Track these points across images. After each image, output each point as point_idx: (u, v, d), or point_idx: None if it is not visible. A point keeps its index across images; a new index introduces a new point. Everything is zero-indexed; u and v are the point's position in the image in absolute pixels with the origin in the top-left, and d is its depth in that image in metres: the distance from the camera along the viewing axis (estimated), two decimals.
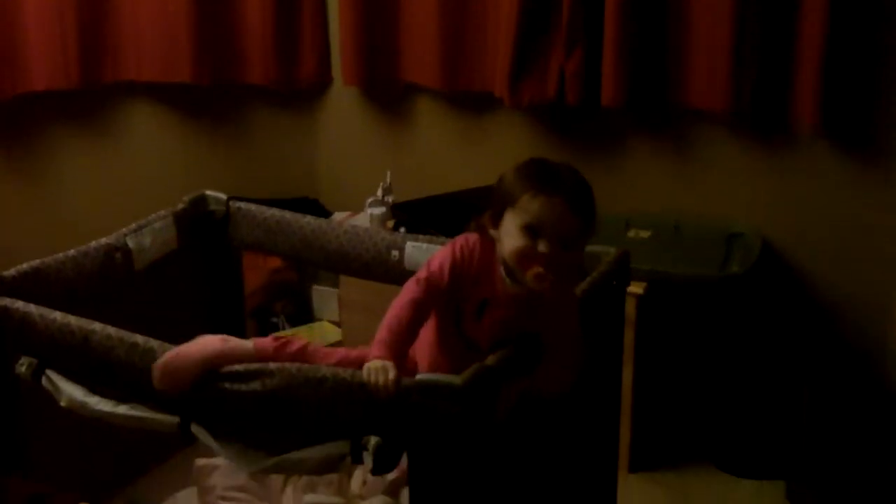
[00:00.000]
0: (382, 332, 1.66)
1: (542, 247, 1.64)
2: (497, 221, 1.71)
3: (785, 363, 2.82)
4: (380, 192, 3.06)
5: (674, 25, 2.83)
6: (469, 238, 1.77)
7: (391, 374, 1.54)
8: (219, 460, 2.16)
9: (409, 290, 1.72)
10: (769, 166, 2.86)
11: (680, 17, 2.82)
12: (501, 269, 1.72)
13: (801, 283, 2.88)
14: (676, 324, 2.77)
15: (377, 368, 1.55)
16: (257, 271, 3.21)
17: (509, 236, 1.67)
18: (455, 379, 1.51)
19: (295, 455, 1.63)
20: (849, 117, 2.69)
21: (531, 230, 1.65)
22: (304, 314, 3.35)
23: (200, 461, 2.19)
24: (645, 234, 2.84)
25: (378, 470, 1.56)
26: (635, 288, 2.56)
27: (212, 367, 1.69)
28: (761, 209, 2.88)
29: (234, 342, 1.75)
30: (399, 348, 1.65)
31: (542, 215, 1.65)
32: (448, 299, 1.75)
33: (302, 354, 1.78)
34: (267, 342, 1.78)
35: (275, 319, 3.26)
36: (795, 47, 2.68)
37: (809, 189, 2.82)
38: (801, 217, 2.85)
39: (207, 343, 1.73)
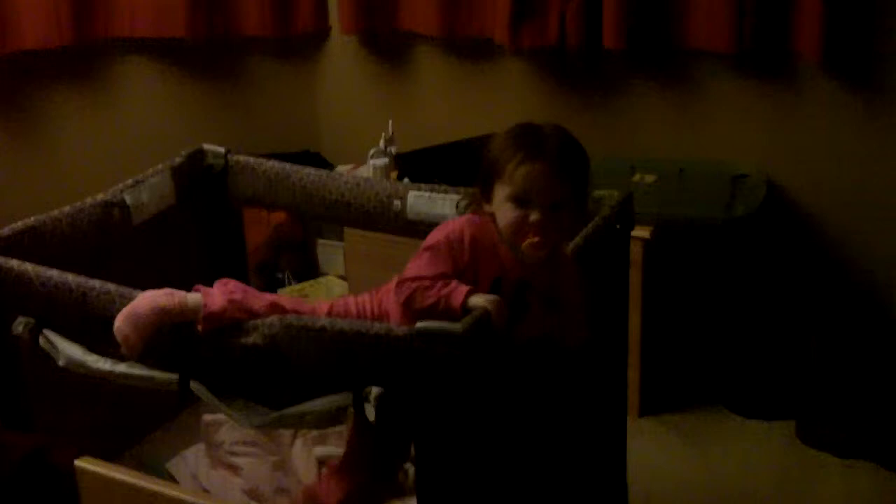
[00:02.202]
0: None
1: (533, 216, 1.63)
2: (489, 195, 1.69)
3: (793, 303, 2.83)
4: (382, 143, 3.04)
5: None
6: (455, 227, 1.71)
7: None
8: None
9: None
10: (773, 106, 2.85)
11: None
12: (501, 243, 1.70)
13: (807, 223, 2.88)
14: (684, 267, 2.76)
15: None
16: (261, 226, 3.20)
17: (501, 209, 1.66)
18: (455, 326, 1.50)
19: (297, 409, 1.62)
20: (852, 52, 2.67)
21: (520, 200, 1.64)
22: (309, 269, 3.33)
23: (208, 417, 2.18)
24: (650, 178, 2.83)
25: (381, 421, 1.55)
26: (642, 232, 2.57)
27: (160, 323, 1.67)
28: (766, 150, 2.87)
29: (179, 296, 1.70)
30: None
31: (527, 184, 1.63)
32: None
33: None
34: (218, 300, 1.69)
35: (280, 275, 3.25)
36: None
37: (814, 128, 2.81)
38: (806, 157, 2.84)
39: (153, 298, 1.69)
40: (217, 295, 1.69)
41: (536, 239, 1.63)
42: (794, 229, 2.88)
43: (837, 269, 2.87)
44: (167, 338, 1.69)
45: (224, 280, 1.74)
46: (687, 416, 2.76)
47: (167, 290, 1.70)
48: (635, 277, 2.52)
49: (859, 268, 2.84)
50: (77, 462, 1.52)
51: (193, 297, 1.70)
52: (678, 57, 2.92)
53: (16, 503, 1.65)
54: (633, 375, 2.64)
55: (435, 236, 1.71)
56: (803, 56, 2.69)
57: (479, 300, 1.58)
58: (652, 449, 2.60)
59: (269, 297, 1.74)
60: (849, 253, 2.85)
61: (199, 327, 1.68)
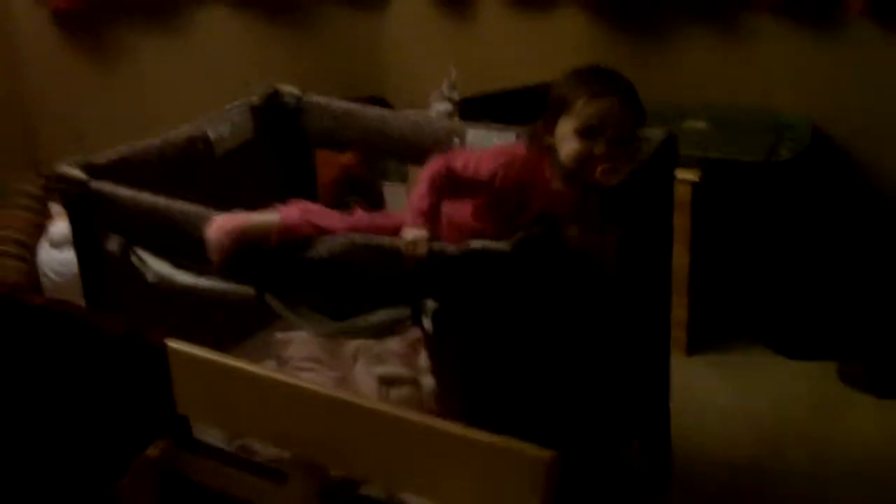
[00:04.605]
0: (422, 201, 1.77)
1: (597, 149, 1.73)
2: (552, 128, 1.79)
3: (839, 245, 2.85)
4: (445, 88, 3.11)
5: None
6: (512, 153, 1.83)
7: (422, 248, 1.65)
8: (295, 334, 2.29)
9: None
10: (822, 53, 2.89)
11: None
12: (555, 174, 1.80)
13: (853, 167, 2.92)
14: (731, 209, 2.82)
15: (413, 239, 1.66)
16: (329, 168, 3.30)
17: (565, 142, 1.76)
18: (504, 245, 1.59)
19: (360, 320, 1.73)
20: None
21: (587, 133, 1.74)
22: (376, 209, 3.43)
23: (279, 335, 2.32)
24: (701, 124, 2.88)
25: (437, 332, 1.65)
26: (690, 175, 2.62)
27: (237, 241, 1.79)
28: (813, 96, 2.92)
29: (256, 217, 1.82)
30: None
31: (598, 117, 1.73)
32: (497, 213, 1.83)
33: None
34: (294, 214, 1.82)
35: None
36: None
37: (861, 76, 2.84)
38: (853, 104, 2.87)
39: (231, 218, 1.81)
40: (294, 210, 1.82)
41: (608, 165, 1.74)
42: (840, 173, 2.92)
43: (884, 213, 2.89)
44: (245, 255, 1.81)
45: (303, 201, 1.86)
46: (733, 355, 2.81)
47: (241, 216, 1.82)
48: (684, 219, 2.59)
49: None
50: (167, 341, 1.56)
51: (267, 215, 1.82)
52: (730, 4, 2.96)
53: (114, 377, 1.76)
54: (682, 314, 2.71)
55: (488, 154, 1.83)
56: (850, 6, 2.73)
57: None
58: (697, 385, 2.65)
59: (347, 220, 1.86)
60: (892, 194, 2.89)
61: (273, 239, 1.78)
